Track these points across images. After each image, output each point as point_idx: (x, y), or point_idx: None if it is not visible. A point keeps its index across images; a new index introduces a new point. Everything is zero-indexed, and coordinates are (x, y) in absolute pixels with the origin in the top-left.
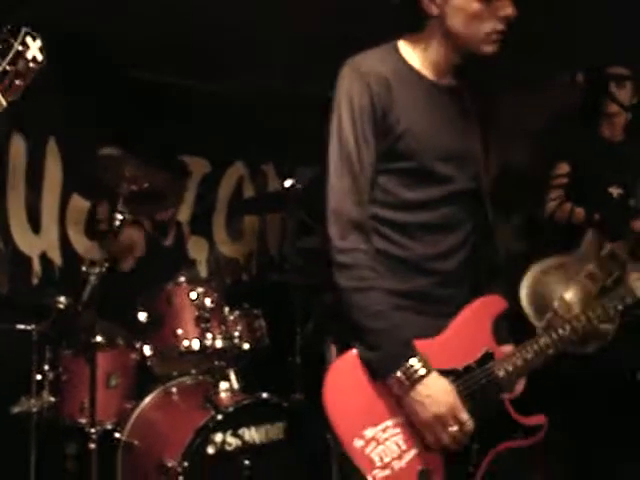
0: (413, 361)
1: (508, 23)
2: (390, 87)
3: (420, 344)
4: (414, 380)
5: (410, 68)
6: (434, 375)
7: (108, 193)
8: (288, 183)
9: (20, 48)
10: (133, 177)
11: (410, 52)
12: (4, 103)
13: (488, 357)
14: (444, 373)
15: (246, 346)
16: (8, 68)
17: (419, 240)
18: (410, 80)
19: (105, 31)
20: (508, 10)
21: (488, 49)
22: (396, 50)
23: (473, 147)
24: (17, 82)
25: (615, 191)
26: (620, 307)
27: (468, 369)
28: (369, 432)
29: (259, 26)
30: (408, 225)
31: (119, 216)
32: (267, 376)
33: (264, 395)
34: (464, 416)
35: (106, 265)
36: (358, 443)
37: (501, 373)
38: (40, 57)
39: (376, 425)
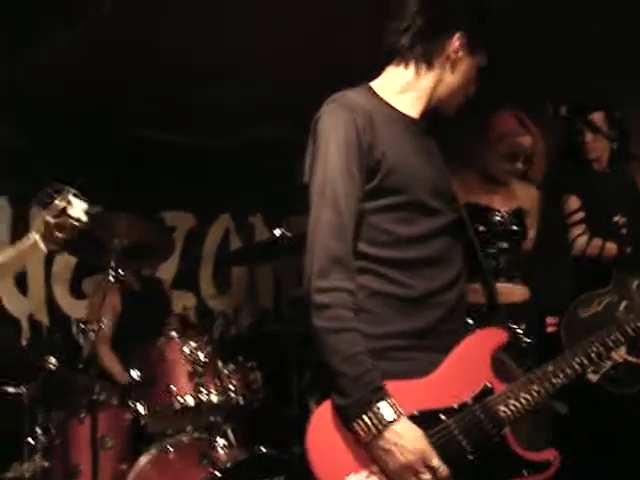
0: (381, 405)
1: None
2: (374, 122)
3: (410, 384)
4: (382, 426)
5: (388, 105)
6: (404, 421)
7: (98, 249)
8: (278, 232)
9: (64, 205)
10: (123, 232)
11: (385, 92)
12: (44, 250)
13: (487, 392)
14: (436, 412)
15: (242, 400)
16: (51, 220)
17: (421, 276)
18: (391, 117)
19: (89, 86)
20: (474, 88)
21: (453, 112)
22: (370, 90)
23: (447, 179)
24: (58, 234)
25: (620, 220)
26: None
27: (463, 406)
28: (351, 479)
29: (247, 80)
30: (408, 262)
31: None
32: (265, 429)
33: (262, 449)
34: (436, 462)
35: (103, 323)
36: None
37: (501, 407)
38: (84, 218)
39: (358, 471)
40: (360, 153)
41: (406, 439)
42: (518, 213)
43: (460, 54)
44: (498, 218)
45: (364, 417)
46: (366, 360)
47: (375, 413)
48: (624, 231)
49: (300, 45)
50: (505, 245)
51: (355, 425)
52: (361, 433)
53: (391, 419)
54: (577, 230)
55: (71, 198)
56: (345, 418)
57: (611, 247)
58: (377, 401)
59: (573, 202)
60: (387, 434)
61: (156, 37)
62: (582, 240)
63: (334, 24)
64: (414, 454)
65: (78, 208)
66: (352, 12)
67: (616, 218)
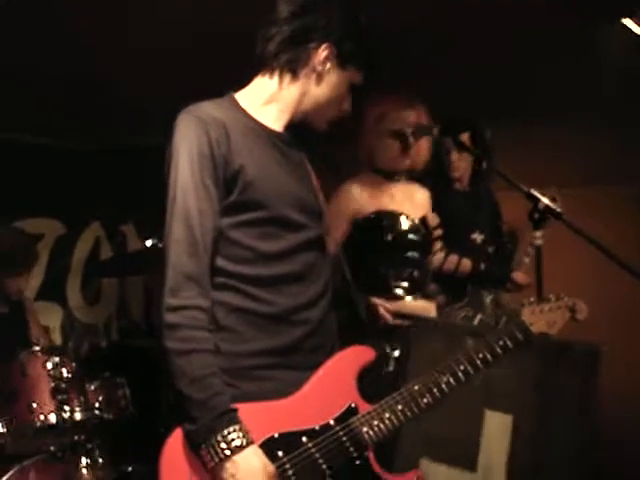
0: (226, 432)
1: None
2: (230, 134)
3: (271, 406)
4: (224, 455)
5: (250, 117)
6: (248, 451)
7: None
8: (150, 242)
9: None
10: None
11: (249, 103)
12: None
13: (351, 412)
14: (297, 434)
15: (109, 417)
16: None
17: (284, 292)
18: (251, 128)
19: None
20: (348, 106)
21: (322, 127)
22: (233, 101)
23: (315, 194)
24: None
25: (478, 237)
26: (510, 344)
27: (326, 427)
28: None
29: (130, 84)
30: (270, 279)
31: None
32: (133, 447)
33: (129, 469)
34: None
35: None
36: None
37: (364, 429)
38: None
39: None
40: (214, 166)
41: (242, 473)
42: (425, 222)
43: (327, 66)
44: (406, 226)
45: (208, 443)
46: (214, 383)
47: (219, 441)
48: (480, 248)
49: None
50: (416, 256)
51: (201, 451)
52: (206, 459)
53: (236, 445)
54: (435, 246)
55: None
56: (192, 444)
57: (466, 263)
58: (222, 428)
59: (432, 219)
60: (227, 463)
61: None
62: (439, 256)
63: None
64: None
65: None
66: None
67: (473, 235)
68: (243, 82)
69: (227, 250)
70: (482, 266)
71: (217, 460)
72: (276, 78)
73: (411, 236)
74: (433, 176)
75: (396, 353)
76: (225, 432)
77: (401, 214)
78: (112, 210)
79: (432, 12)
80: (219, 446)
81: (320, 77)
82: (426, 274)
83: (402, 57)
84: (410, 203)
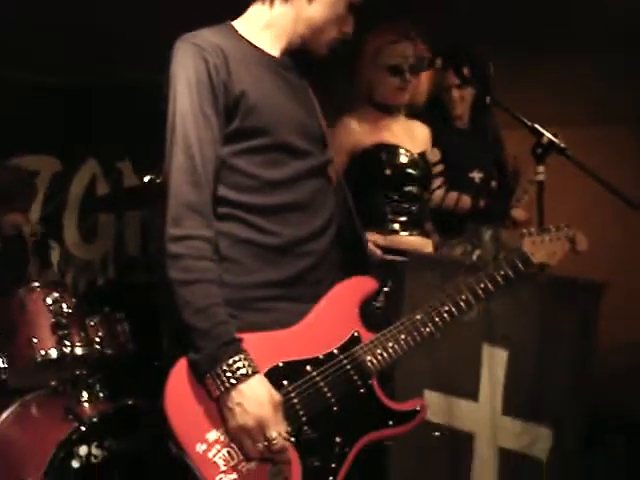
0: (232, 361)
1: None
2: (228, 60)
3: (276, 335)
4: (230, 384)
5: (249, 43)
6: (254, 381)
7: None
8: (147, 178)
9: None
10: None
11: (245, 30)
12: None
13: (354, 341)
14: (301, 363)
15: (109, 352)
16: None
17: (289, 222)
18: (250, 54)
19: None
20: (350, 28)
21: (322, 52)
22: (230, 28)
23: (318, 121)
24: None
25: (477, 175)
26: (511, 274)
27: (329, 356)
28: (212, 435)
29: (127, 18)
30: (275, 207)
31: None
32: (133, 381)
33: (130, 402)
34: (272, 434)
35: None
36: (200, 447)
37: (368, 357)
38: None
39: (219, 427)
40: (213, 93)
41: (249, 402)
42: (424, 157)
43: None
44: (406, 159)
45: (213, 372)
46: (218, 313)
47: (224, 370)
48: (478, 187)
49: None
50: (415, 191)
51: (206, 380)
52: (212, 389)
53: (242, 374)
54: (435, 182)
55: None
56: (197, 373)
57: (466, 200)
58: (228, 356)
59: (434, 154)
60: (233, 392)
61: None
62: (439, 193)
63: None
64: (253, 419)
65: None
66: None
67: (471, 174)
68: (240, 12)
69: (230, 179)
70: (481, 203)
71: (223, 389)
72: (268, 3)
73: (410, 170)
74: (432, 114)
75: (386, 288)
76: (230, 361)
77: (400, 148)
78: (109, 147)
79: None
80: (224, 375)
81: None
82: (425, 210)
83: None
84: (410, 139)
